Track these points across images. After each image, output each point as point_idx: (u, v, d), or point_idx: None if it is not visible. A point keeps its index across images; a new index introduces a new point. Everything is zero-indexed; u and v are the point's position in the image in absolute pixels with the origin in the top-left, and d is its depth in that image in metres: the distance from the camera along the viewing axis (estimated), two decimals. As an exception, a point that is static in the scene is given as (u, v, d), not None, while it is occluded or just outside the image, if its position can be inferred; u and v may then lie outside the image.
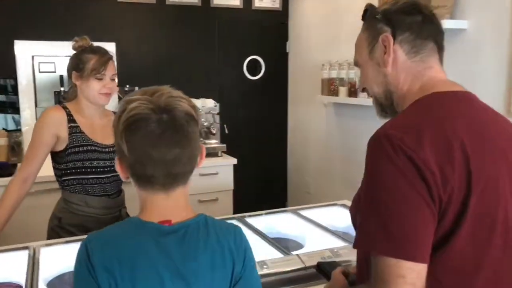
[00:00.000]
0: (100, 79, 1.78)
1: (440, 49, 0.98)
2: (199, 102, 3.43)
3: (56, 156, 1.80)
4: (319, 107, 3.71)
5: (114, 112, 2.07)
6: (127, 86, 3.36)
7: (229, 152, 3.43)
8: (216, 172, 3.24)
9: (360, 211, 0.87)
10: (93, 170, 1.81)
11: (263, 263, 1.39)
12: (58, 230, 1.80)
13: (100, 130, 1.87)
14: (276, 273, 1.38)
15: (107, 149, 1.85)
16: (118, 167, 0.92)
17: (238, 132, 3.86)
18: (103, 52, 1.81)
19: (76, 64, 1.79)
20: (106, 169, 1.85)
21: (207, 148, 3.28)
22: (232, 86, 4.02)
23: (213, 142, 3.42)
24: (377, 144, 0.85)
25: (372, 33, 0.99)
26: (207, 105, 3.45)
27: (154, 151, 0.83)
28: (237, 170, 3.31)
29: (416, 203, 0.79)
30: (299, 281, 1.39)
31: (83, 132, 1.81)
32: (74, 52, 1.82)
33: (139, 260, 0.82)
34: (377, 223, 0.81)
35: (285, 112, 4.27)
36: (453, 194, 0.80)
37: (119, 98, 3.17)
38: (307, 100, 3.88)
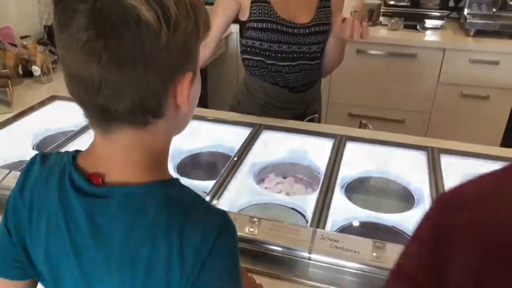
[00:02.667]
0: None
1: None
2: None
3: (240, 26, 1.53)
4: None
5: None
6: None
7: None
8: (497, 60, 2.34)
9: None
10: (272, 55, 1.47)
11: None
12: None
13: (297, 2, 1.47)
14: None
15: (296, 30, 1.45)
16: None
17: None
18: None
19: None
20: (289, 56, 1.47)
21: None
22: None
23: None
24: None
25: None
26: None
27: (69, 60, 0.51)
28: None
29: None
30: None
31: (268, 3, 1.43)
32: None
33: (44, 215, 0.59)
34: None
35: None
36: None
37: None
38: None
